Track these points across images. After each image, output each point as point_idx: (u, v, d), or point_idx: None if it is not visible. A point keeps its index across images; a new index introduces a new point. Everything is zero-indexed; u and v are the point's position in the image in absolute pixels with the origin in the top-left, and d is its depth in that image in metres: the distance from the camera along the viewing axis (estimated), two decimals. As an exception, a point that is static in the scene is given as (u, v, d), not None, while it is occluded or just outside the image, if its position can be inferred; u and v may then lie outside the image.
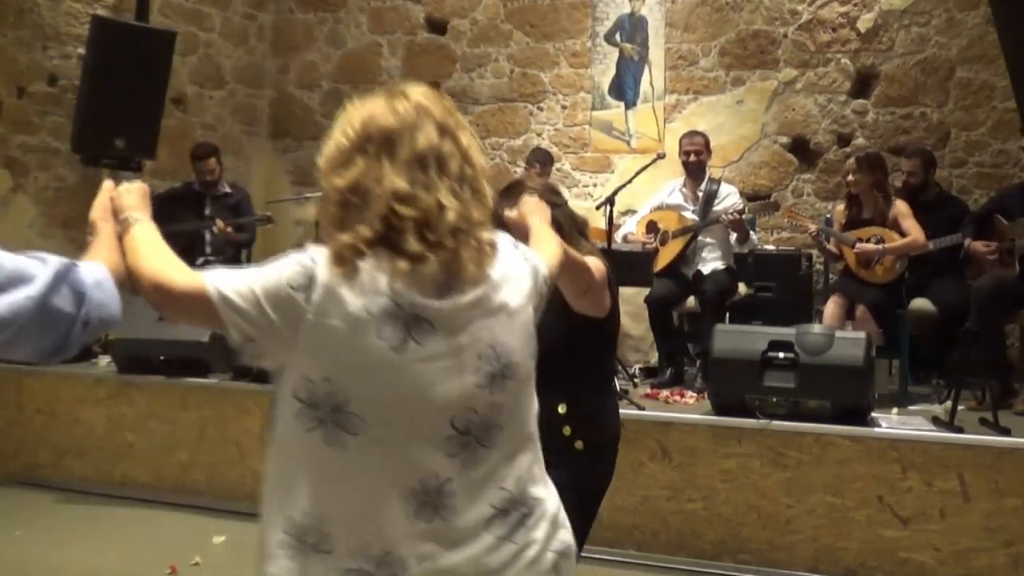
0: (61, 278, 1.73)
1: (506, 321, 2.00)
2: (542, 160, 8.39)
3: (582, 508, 2.87)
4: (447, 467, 1.93)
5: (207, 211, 8.09)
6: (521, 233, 2.43)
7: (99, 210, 2.07)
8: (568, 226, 3.14)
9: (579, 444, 3.21)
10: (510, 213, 2.65)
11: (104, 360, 7.31)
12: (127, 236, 2.01)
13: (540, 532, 2.06)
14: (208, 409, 6.62)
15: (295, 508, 1.91)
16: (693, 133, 7.64)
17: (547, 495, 2.12)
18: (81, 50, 8.02)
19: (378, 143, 1.94)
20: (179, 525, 6.19)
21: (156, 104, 8.10)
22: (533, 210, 2.65)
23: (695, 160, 7.37)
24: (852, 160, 7.04)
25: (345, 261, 1.87)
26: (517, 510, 2.02)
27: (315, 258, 1.90)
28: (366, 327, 1.86)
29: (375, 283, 1.87)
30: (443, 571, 1.92)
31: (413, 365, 1.89)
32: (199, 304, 1.88)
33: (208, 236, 7.99)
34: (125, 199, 2.08)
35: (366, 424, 1.88)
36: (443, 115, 2.00)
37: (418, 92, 2.02)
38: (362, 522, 1.90)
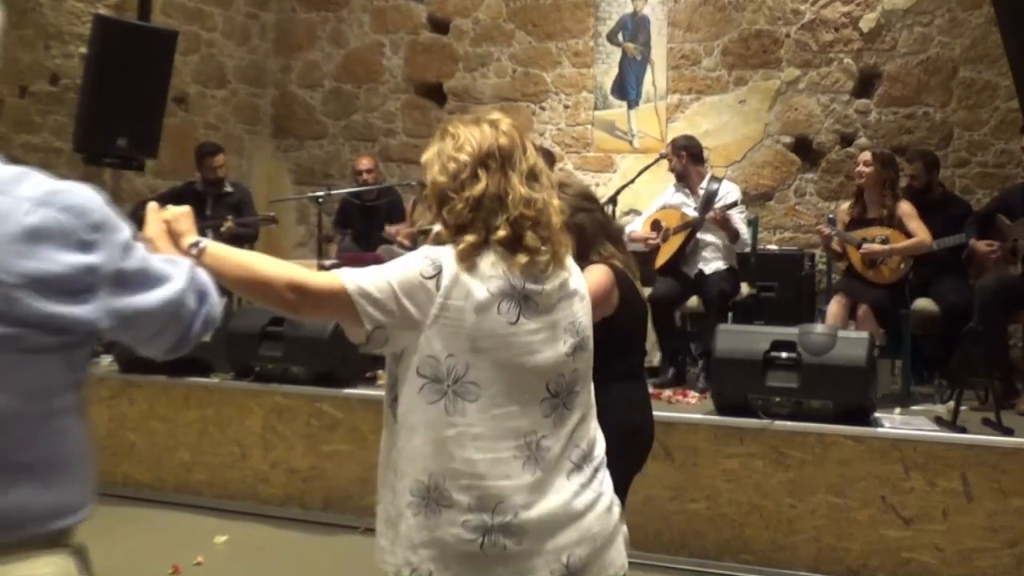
0: (191, 277, 1.84)
1: (579, 302, 2.47)
2: (545, 159, 8.36)
3: None
4: (544, 425, 2.36)
5: (208, 211, 8.09)
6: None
7: (155, 231, 2.21)
8: (594, 231, 3.51)
9: None
10: (390, 229, 2.84)
11: (106, 359, 7.30)
12: (209, 256, 2.22)
13: (606, 485, 2.50)
14: (210, 409, 6.62)
15: (422, 471, 2.29)
16: (672, 141, 7.63)
17: (604, 454, 2.54)
18: (83, 49, 8.02)
19: (499, 160, 2.36)
20: (181, 525, 6.19)
21: (158, 103, 8.10)
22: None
23: (674, 167, 7.34)
24: (865, 153, 6.99)
25: (471, 255, 2.29)
26: (589, 464, 2.46)
27: (440, 254, 2.30)
28: (489, 305, 2.29)
29: (495, 270, 2.30)
30: (544, 515, 2.32)
31: (523, 336, 2.32)
32: (336, 299, 2.25)
33: (211, 235, 7.99)
34: (182, 224, 2.26)
35: (481, 390, 2.28)
36: (527, 137, 2.49)
37: (505, 118, 2.47)
38: (478, 478, 2.28)
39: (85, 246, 1.62)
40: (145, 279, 1.74)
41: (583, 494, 2.40)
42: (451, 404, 2.27)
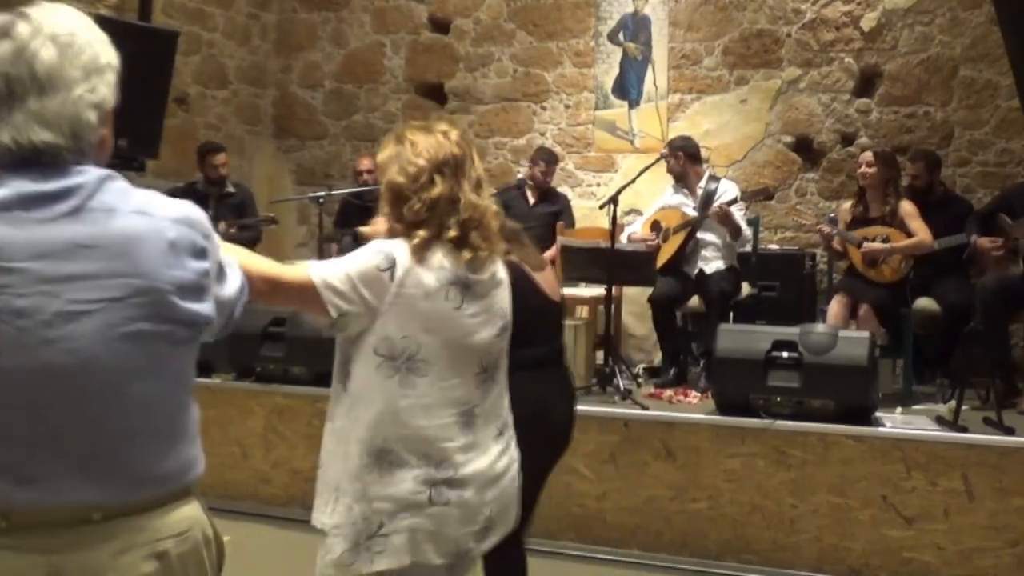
0: (236, 265, 2.14)
1: (504, 291, 2.84)
2: (547, 159, 8.39)
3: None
4: (477, 396, 2.75)
5: (210, 211, 8.09)
6: None
7: None
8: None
9: None
10: (365, 229, 3.16)
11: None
12: None
13: (516, 453, 2.90)
14: (211, 409, 6.61)
15: (378, 436, 2.63)
16: (669, 142, 7.65)
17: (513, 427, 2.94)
18: None
19: (453, 167, 2.71)
20: (182, 525, 6.18)
21: (159, 104, 8.07)
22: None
23: (672, 168, 7.36)
24: (867, 153, 6.99)
25: (423, 249, 2.64)
26: (506, 433, 2.87)
27: (393, 248, 2.64)
28: (438, 292, 2.64)
29: (444, 263, 2.66)
30: (476, 472, 2.71)
31: (465, 319, 2.69)
32: (305, 291, 2.57)
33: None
34: None
35: (430, 366, 2.65)
36: (474, 148, 2.84)
37: (454, 129, 2.83)
38: (427, 440, 2.65)
39: (203, 253, 1.94)
40: (224, 271, 2.05)
41: (502, 459, 2.81)
42: (404, 379, 2.63)
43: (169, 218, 1.89)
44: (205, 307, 1.94)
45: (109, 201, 1.84)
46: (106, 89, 1.94)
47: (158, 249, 1.85)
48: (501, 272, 2.84)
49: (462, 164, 2.74)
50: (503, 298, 2.82)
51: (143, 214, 1.87)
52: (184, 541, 1.94)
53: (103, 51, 1.93)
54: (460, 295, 2.68)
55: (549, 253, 8.05)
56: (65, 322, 1.77)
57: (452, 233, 2.67)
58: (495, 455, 2.78)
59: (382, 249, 2.64)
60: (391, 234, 2.72)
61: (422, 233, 2.65)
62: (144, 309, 1.82)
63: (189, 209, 1.96)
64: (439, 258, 2.66)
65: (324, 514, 2.73)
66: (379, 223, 3.00)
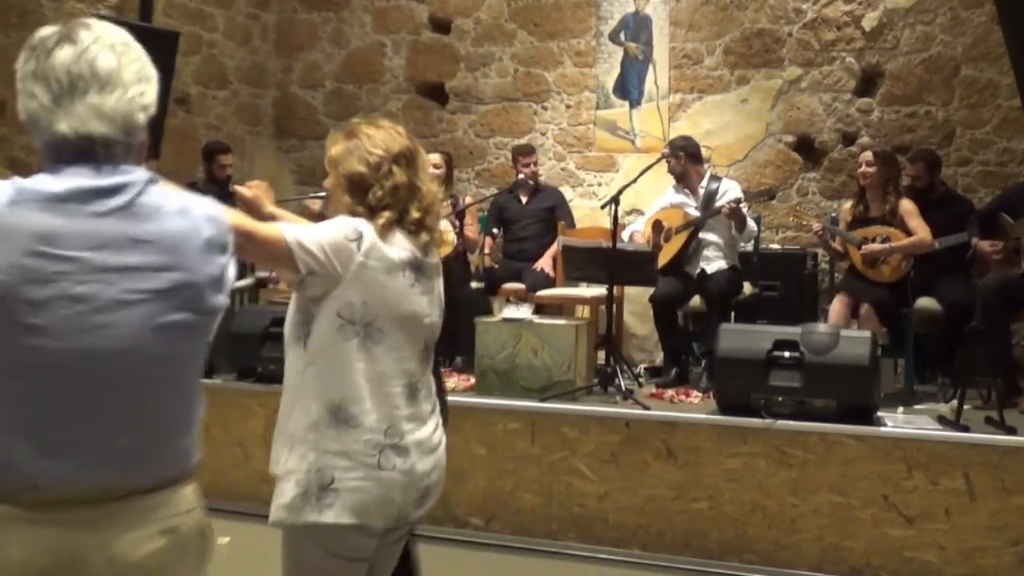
0: None
1: (441, 278, 3.04)
2: (523, 152, 8.46)
3: None
4: (419, 370, 2.94)
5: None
6: (252, 209, 3.15)
7: None
8: None
9: None
10: (242, 190, 3.28)
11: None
12: None
13: (441, 427, 3.06)
14: (212, 410, 6.54)
15: (335, 393, 2.79)
16: (669, 142, 7.66)
17: None
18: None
19: (408, 159, 2.91)
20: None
21: (160, 104, 8.08)
22: (264, 191, 3.34)
23: (673, 168, 7.37)
24: (866, 152, 7.00)
25: (388, 229, 2.82)
26: (436, 411, 3.02)
27: (359, 224, 2.80)
28: (397, 269, 2.82)
29: (403, 243, 2.85)
30: (419, 440, 2.88)
31: (417, 296, 2.88)
32: (277, 246, 2.70)
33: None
34: None
35: (384, 335, 2.82)
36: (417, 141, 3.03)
37: (398, 125, 3.00)
38: (378, 405, 2.81)
39: (225, 248, 2.10)
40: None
41: (437, 431, 2.98)
42: (362, 343, 2.80)
43: (204, 217, 2.06)
44: (223, 298, 2.10)
45: (156, 200, 2.00)
46: (153, 96, 2.07)
47: (197, 246, 2.02)
48: (438, 260, 3.04)
49: (416, 155, 2.95)
50: (440, 284, 3.03)
51: (184, 214, 2.03)
52: (190, 517, 2.08)
53: (149, 64, 2.09)
54: (414, 275, 2.86)
55: (550, 251, 8.07)
56: (117, 309, 1.91)
57: (415, 216, 2.88)
58: (432, 427, 2.96)
59: (351, 223, 2.80)
60: (351, 212, 2.88)
61: (387, 215, 2.83)
62: (184, 301, 1.99)
63: (215, 207, 2.13)
64: (400, 239, 2.85)
65: (278, 463, 2.88)
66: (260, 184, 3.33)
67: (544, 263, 8.06)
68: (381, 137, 2.91)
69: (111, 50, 2.00)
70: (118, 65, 1.99)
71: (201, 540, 2.13)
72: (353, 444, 2.78)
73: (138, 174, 1.99)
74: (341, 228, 2.79)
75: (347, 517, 2.76)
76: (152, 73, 2.08)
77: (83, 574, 1.92)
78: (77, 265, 1.88)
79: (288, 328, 2.94)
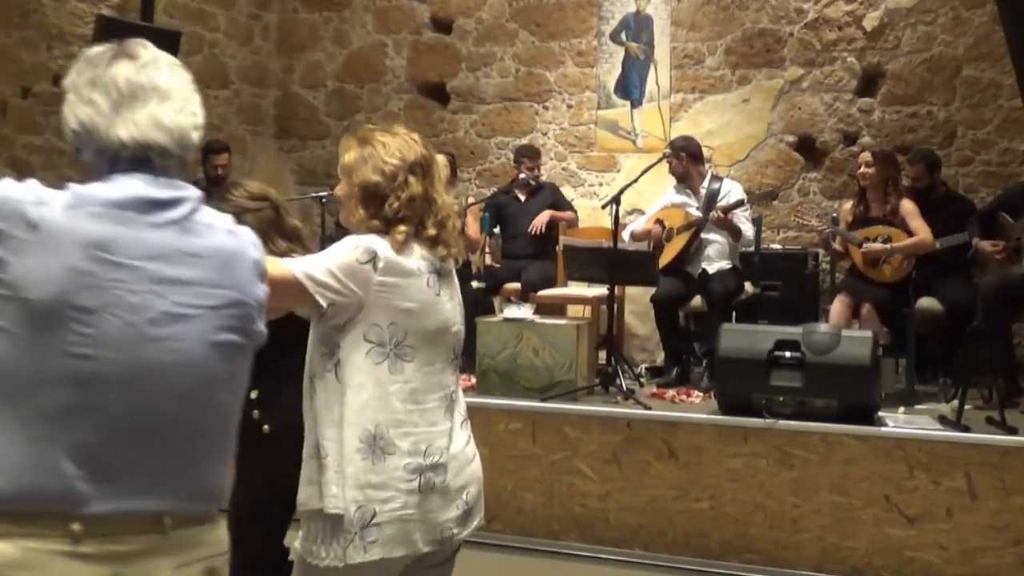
0: None
1: (456, 281, 2.95)
2: (530, 155, 8.44)
3: (276, 488, 3.24)
4: (453, 382, 2.90)
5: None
6: None
7: None
8: (262, 229, 3.34)
9: (266, 428, 3.54)
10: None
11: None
12: None
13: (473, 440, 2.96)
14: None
15: (371, 422, 2.68)
16: (670, 143, 7.67)
17: None
18: (86, 50, 8.01)
19: (423, 168, 2.81)
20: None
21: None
22: None
23: (674, 169, 7.37)
24: (865, 153, 7.01)
25: (404, 243, 2.73)
26: (466, 419, 2.94)
27: (372, 242, 2.70)
28: (419, 278, 2.75)
29: (422, 254, 2.77)
30: (455, 454, 2.81)
31: (443, 304, 2.82)
32: (288, 285, 2.59)
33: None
34: None
35: (415, 351, 2.75)
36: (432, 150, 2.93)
37: (413, 132, 2.89)
38: (413, 425, 2.73)
39: (265, 275, 2.09)
40: None
41: (470, 443, 2.91)
42: (393, 364, 2.71)
43: (250, 241, 2.07)
44: (263, 325, 2.07)
45: (208, 218, 1.99)
46: (203, 118, 2.05)
47: (247, 267, 2.02)
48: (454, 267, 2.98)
49: (432, 164, 2.85)
50: (458, 290, 2.95)
51: (233, 235, 2.03)
52: (225, 562, 2.02)
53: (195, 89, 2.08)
54: (438, 283, 2.80)
55: (542, 219, 8.05)
56: (171, 322, 1.86)
57: (431, 232, 2.79)
58: (465, 439, 2.88)
59: (360, 243, 2.70)
60: (369, 231, 2.77)
61: (404, 228, 2.75)
62: (234, 321, 1.96)
63: (255, 235, 2.13)
64: (418, 251, 2.77)
65: (313, 498, 2.71)
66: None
67: (542, 219, 8.11)
68: (396, 145, 2.81)
69: (168, 67, 2.01)
70: (176, 81, 2.00)
71: None
72: (393, 472, 2.67)
73: (192, 191, 1.99)
74: (350, 251, 2.69)
75: (393, 550, 2.67)
76: (199, 97, 2.07)
77: None
78: (132, 273, 1.84)
79: (311, 363, 2.79)
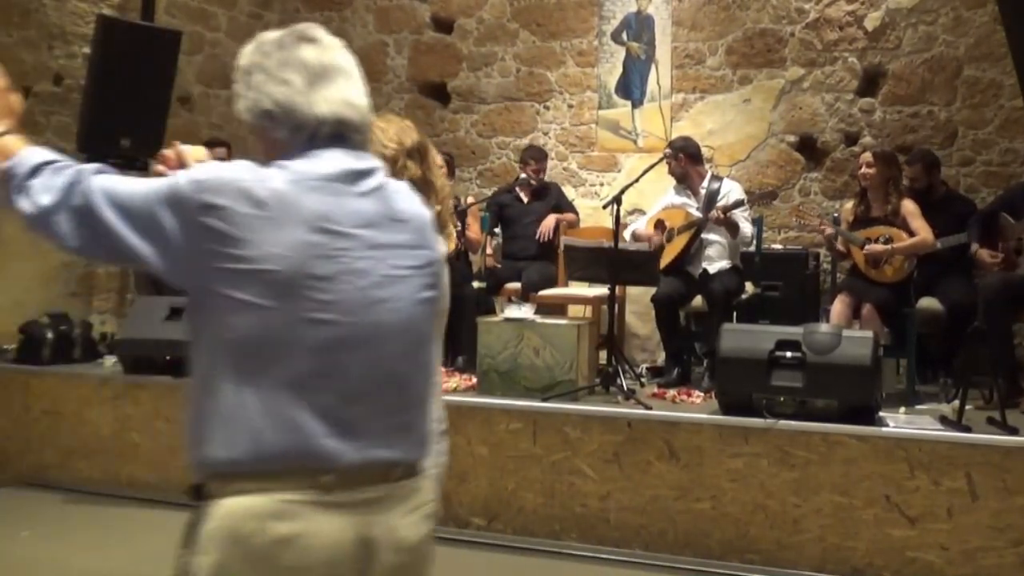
0: None
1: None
2: (536, 156, 8.43)
3: None
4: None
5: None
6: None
7: None
8: None
9: None
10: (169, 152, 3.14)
11: (110, 360, 7.31)
12: None
13: None
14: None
15: None
16: (669, 143, 7.68)
17: None
18: (86, 50, 8.01)
19: (420, 153, 2.84)
20: (185, 525, 6.18)
21: (162, 104, 8.09)
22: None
23: (674, 169, 7.38)
24: (866, 153, 7.02)
25: None
26: None
27: None
28: None
29: None
30: None
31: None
32: None
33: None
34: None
35: None
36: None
37: (405, 119, 2.96)
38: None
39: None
40: None
41: None
42: None
43: (421, 202, 2.23)
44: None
45: (394, 185, 2.16)
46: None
47: (431, 228, 2.19)
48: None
49: (428, 149, 2.89)
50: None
51: (415, 199, 2.20)
52: (435, 510, 2.18)
53: None
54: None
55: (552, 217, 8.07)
56: (390, 284, 2.03)
57: (435, 210, 2.83)
58: None
59: None
60: None
61: None
62: (432, 278, 2.13)
63: None
64: None
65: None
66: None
67: (548, 224, 8.11)
68: (394, 130, 2.86)
69: (342, 49, 2.19)
70: (352, 62, 2.18)
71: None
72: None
73: (378, 161, 2.16)
74: None
75: None
76: None
77: (374, 557, 1.98)
78: (355, 241, 1.98)
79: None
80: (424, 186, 2.79)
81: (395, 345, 2.03)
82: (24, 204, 1.98)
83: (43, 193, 1.96)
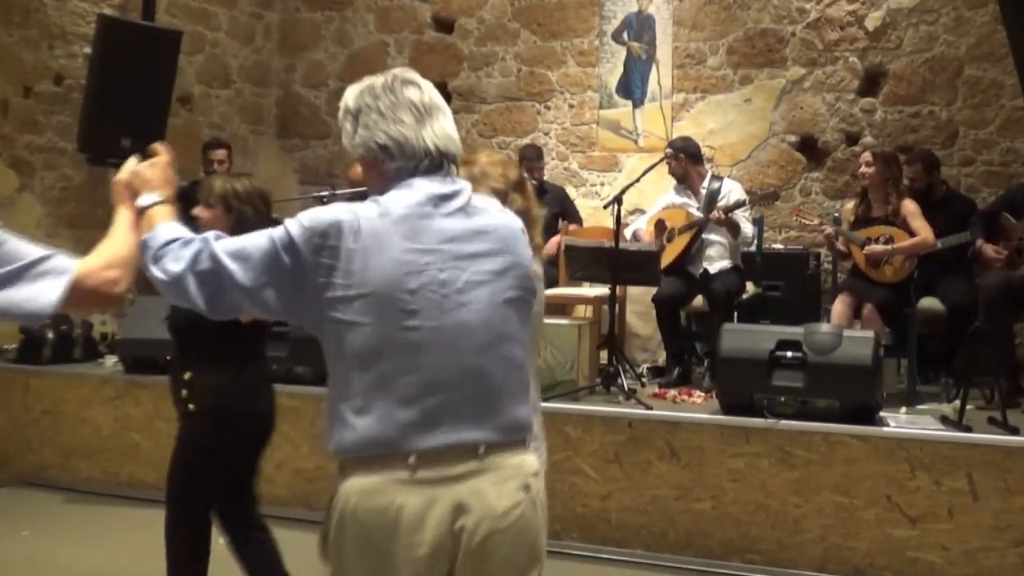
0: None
1: None
2: (531, 156, 8.39)
3: (202, 461, 4.12)
4: None
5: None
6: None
7: (119, 190, 2.62)
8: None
9: (192, 407, 4.09)
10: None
11: (111, 360, 7.31)
12: (142, 219, 2.53)
13: None
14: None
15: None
16: (669, 143, 7.67)
17: None
18: (87, 49, 8.01)
19: (522, 185, 3.20)
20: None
21: (163, 103, 8.09)
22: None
23: (674, 170, 7.37)
24: (866, 153, 7.01)
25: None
26: None
27: None
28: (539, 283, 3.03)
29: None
30: None
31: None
32: None
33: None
34: (145, 174, 2.65)
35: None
36: None
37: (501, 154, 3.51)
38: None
39: (527, 243, 2.58)
40: None
41: None
42: None
43: (511, 215, 2.57)
44: (537, 283, 2.60)
45: (480, 202, 2.50)
46: None
47: (517, 237, 2.49)
48: None
49: (526, 183, 3.23)
50: None
51: (502, 212, 2.55)
52: (538, 480, 2.47)
53: None
54: None
55: (550, 249, 8.05)
56: (471, 289, 2.35)
57: (537, 241, 3.10)
58: None
59: None
60: None
61: None
62: (515, 280, 2.43)
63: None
64: None
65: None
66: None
67: (551, 250, 8.08)
68: (503, 167, 3.15)
69: (434, 89, 2.54)
70: (443, 101, 2.53)
71: (544, 502, 2.48)
72: None
73: (465, 183, 2.49)
74: None
75: None
76: None
77: (466, 520, 2.29)
78: (439, 256, 2.33)
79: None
80: (526, 216, 2.94)
81: (474, 341, 2.34)
82: (157, 272, 2.34)
83: (173, 263, 2.32)
